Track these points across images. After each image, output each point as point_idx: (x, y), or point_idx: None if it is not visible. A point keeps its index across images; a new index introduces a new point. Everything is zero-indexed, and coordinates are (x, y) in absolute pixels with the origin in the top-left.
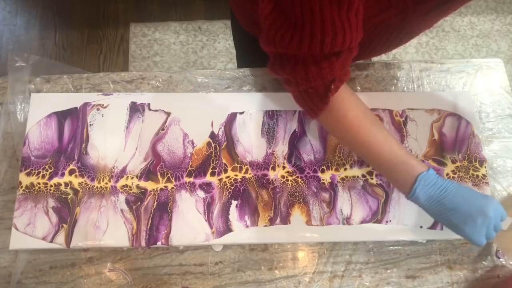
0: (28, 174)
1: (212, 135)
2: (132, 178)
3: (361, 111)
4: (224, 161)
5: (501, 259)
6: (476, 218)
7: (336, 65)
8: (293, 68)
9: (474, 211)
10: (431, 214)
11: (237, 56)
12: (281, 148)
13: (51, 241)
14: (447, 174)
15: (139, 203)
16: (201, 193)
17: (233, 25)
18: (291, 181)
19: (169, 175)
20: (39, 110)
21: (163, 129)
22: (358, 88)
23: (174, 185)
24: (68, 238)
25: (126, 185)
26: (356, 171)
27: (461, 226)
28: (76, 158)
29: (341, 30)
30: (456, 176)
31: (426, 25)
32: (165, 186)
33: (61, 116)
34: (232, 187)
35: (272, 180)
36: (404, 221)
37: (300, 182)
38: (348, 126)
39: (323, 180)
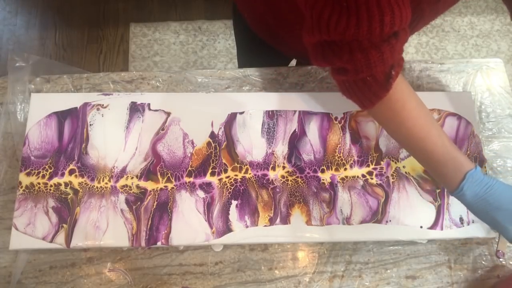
0: (28, 174)
1: (212, 135)
2: (132, 178)
3: (418, 103)
4: (224, 161)
5: (501, 259)
6: None
7: (396, 48)
8: (350, 55)
9: None
10: (475, 212)
11: (238, 56)
12: (281, 148)
13: (51, 241)
14: None
15: (139, 203)
16: (201, 193)
17: (236, 24)
18: (291, 181)
19: (169, 175)
20: (39, 110)
21: (163, 129)
22: None
23: (174, 185)
24: (68, 238)
25: (126, 185)
26: (356, 171)
27: (505, 225)
28: (76, 158)
29: (397, 7)
30: None
31: (438, 12)
32: (165, 186)
33: (61, 116)
34: (232, 187)
35: (272, 180)
36: (404, 221)
37: (300, 182)
38: (404, 118)
39: (323, 180)
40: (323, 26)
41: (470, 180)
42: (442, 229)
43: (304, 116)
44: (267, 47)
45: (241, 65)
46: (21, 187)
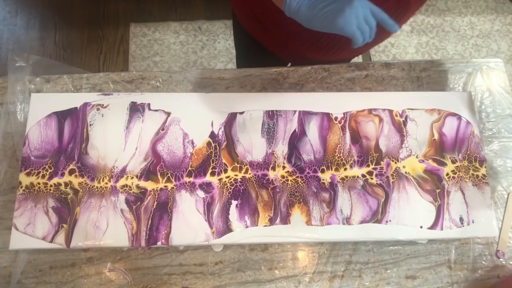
0: (28, 174)
1: (212, 135)
2: (132, 178)
3: None
4: (224, 161)
5: (501, 259)
6: (345, 8)
7: None
8: None
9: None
10: (317, 26)
11: (237, 57)
12: (281, 148)
13: (51, 241)
14: (447, 174)
15: (139, 203)
16: (201, 193)
17: (235, 25)
18: (291, 181)
19: (169, 175)
20: (39, 110)
21: (163, 129)
22: (358, 88)
23: (174, 185)
24: (68, 238)
25: (126, 185)
26: (356, 171)
27: (334, 20)
28: (76, 158)
29: None
30: (456, 176)
31: (422, 2)
32: (165, 186)
33: (61, 116)
34: (232, 187)
35: (272, 180)
36: (404, 221)
37: (300, 182)
38: None
39: (323, 180)
40: None
41: None
42: (442, 229)
43: (304, 116)
44: (264, 50)
45: (240, 66)
46: (21, 187)
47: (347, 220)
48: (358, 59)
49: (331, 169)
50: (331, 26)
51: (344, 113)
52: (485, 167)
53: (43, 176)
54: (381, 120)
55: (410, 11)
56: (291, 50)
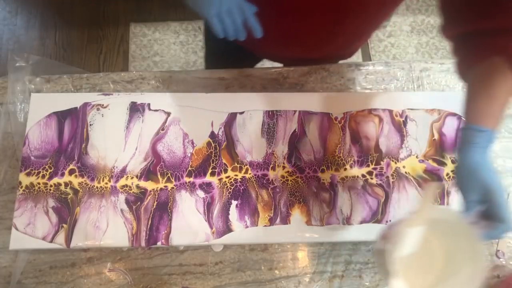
0: (28, 174)
1: (212, 135)
2: (132, 178)
3: None
4: (224, 161)
5: (501, 259)
6: None
7: None
8: None
9: None
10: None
11: (206, 57)
12: (281, 148)
13: (51, 241)
14: (447, 174)
15: (139, 203)
16: (201, 193)
17: (207, 24)
18: (291, 181)
19: (169, 175)
20: (39, 110)
21: (163, 129)
22: (358, 88)
23: (174, 185)
24: (68, 238)
25: (126, 185)
26: (356, 171)
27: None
28: (76, 158)
29: None
30: None
31: (385, 4)
32: (165, 186)
33: (61, 116)
34: (232, 187)
35: (272, 180)
36: None
37: (300, 182)
38: None
39: (323, 180)
40: None
41: (464, 143)
42: None
43: (304, 116)
44: (235, 47)
45: (209, 65)
46: (21, 187)
47: (347, 220)
48: (358, 58)
49: (331, 169)
50: (196, 4)
51: (344, 113)
52: None
53: (43, 176)
54: (381, 120)
55: (369, 10)
56: (262, 46)
